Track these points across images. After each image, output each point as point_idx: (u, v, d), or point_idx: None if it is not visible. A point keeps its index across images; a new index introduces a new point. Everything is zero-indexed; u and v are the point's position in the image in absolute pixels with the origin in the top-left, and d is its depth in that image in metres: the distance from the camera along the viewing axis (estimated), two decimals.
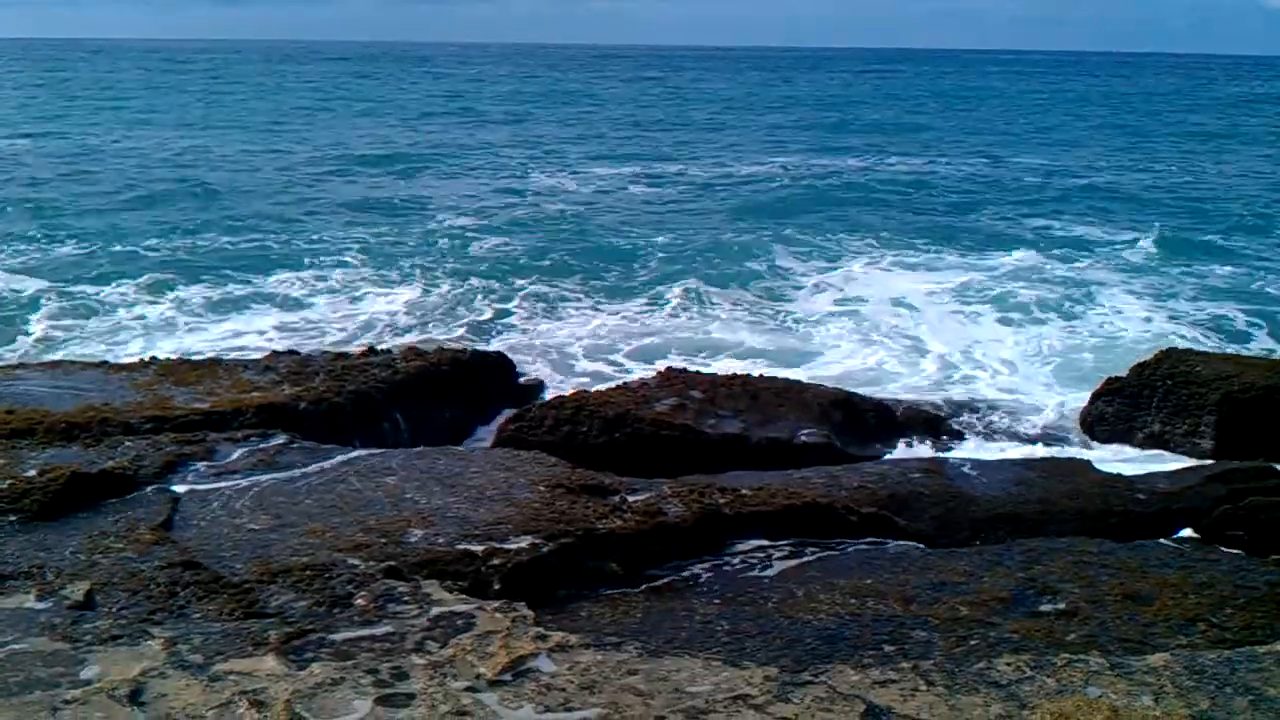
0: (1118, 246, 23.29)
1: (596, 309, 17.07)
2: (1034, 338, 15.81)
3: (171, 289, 17.53)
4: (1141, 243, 23.29)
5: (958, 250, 22.42)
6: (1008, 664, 4.39)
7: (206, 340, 14.91)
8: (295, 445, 7.70)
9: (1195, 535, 7.60)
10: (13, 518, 6.04)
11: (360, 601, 4.79)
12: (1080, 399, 12.24)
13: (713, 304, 17.38)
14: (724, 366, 13.13)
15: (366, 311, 16.83)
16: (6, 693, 3.88)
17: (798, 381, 11.53)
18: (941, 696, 4.08)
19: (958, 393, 13.16)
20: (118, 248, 20.75)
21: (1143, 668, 4.39)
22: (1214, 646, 4.98)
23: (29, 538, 5.80)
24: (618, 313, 16.84)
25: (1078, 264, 21.25)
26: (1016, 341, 15.68)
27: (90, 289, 17.47)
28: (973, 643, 5.26)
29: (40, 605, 4.74)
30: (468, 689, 4.00)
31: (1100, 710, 3.93)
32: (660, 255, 21.17)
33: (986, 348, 15.22)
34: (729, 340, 15.56)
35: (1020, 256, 21.74)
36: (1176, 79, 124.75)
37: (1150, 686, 4.19)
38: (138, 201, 26.46)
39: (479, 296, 17.66)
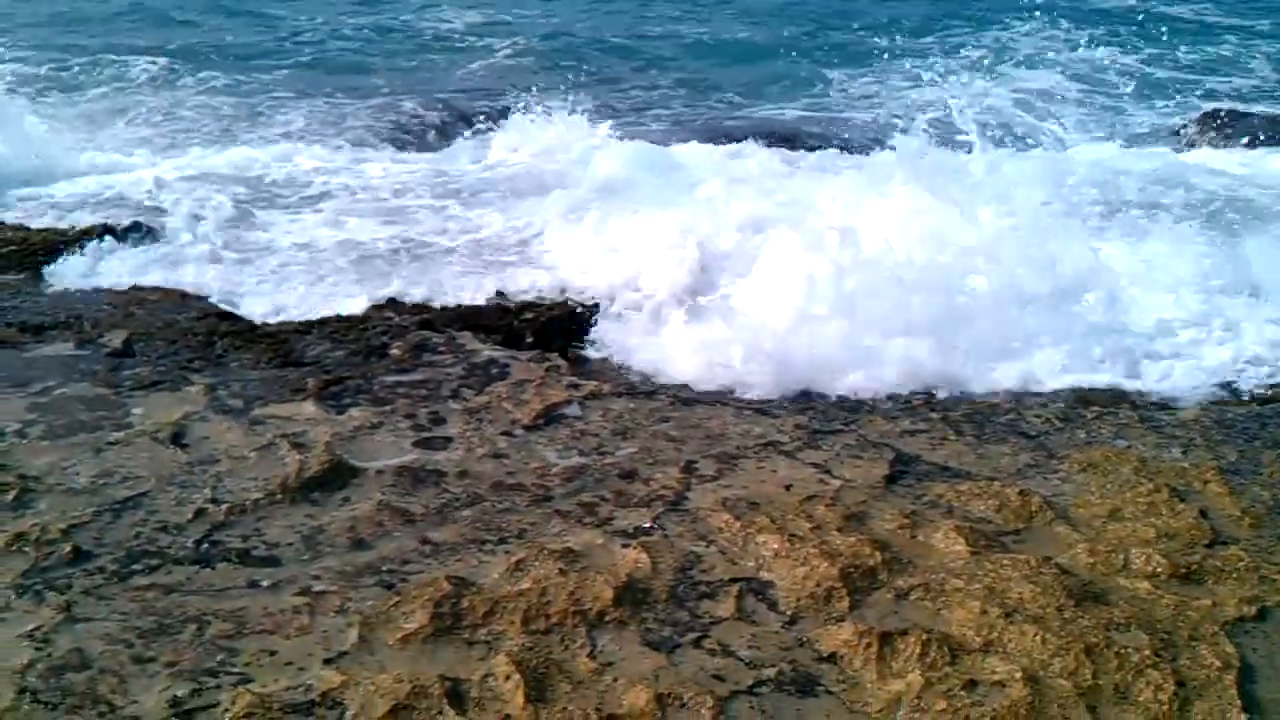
0: None
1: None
2: None
3: None
4: None
5: None
6: (1036, 416, 4.43)
7: None
8: None
9: None
10: None
11: (396, 351, 4.83)
12: None
13: None
14: None
15: None
16: (53, 435, 3.98)
17: None
18: (970, 446, 4.12)
19: None
20: None
21: (1172, 421, 4.42)
22: (1244, 404, 4.99)
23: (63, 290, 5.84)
24: None
25: None
26: None
27: None
28: None
29: (80, 353, 4.80)
30: (503, 433, 4.07)
31: (1128, 461, 3.97)
32: None
33: None
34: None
35: None
36: None
37: (1179, 439, 4.22)
38: None
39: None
